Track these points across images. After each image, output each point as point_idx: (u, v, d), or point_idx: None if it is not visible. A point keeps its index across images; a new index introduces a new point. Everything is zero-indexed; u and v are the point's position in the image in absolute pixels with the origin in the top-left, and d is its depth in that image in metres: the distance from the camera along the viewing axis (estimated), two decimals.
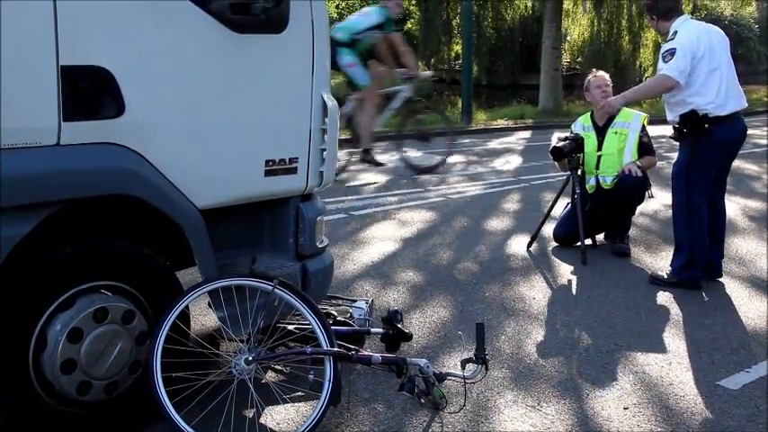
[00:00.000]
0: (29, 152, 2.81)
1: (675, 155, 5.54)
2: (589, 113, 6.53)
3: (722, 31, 5.42)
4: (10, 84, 2.73)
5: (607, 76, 6.58)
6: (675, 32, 5.28)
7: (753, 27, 33.46)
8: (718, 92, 5.18)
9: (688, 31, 5.28)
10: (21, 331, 2.92)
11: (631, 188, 6.18)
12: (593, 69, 6.87)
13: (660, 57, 5.33)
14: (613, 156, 6.26)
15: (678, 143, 5.42)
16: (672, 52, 5.18)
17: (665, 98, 5.43)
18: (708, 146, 5.21)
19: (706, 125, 5.16)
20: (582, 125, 6.52)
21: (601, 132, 6.34)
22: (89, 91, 2.94)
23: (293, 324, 3.90)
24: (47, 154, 2.85)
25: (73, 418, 3.09)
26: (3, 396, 2.92)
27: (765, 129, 15.29)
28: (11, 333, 2.90)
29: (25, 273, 2.91)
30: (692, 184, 5.29)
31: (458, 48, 24.89)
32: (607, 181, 6.30)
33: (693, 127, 5.18)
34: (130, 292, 3.20)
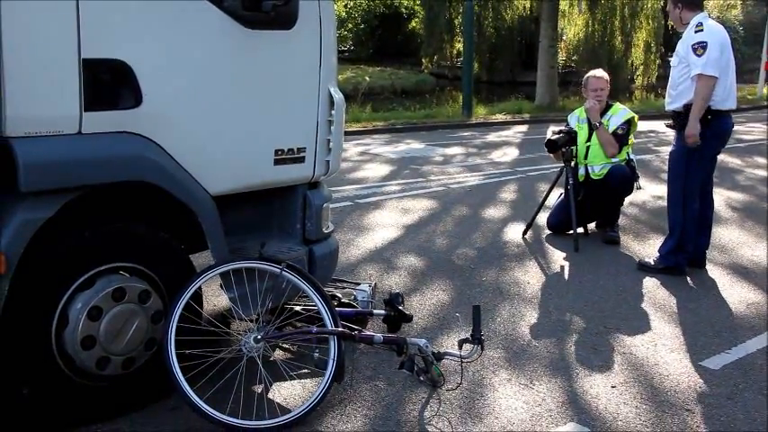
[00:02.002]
0: (51, 140, 2.81)
1: (664, 148, 5.50)
2: (584, 107, 6.50)
3: None
4: (35, 76, 2.74)
5: (606, 77, 6.47)
6: (701, 23, 5.06)
7: (737, 29, 33.36)
8: (725, 87, 5.08)
9: (713, 25, 5.14)
10: (44, 309, 2.93)
11: (619, 180, 6.18)
12: (598, 70, 6.65)
13: (689, 48, 5.04)
14: (597, 145, 6.25)
15: (675, 131, 5.33)
16: (703, 45, 4.96)
17: (673, 84, 5.26)
18: (709, 137, 5.13)
19: (709, 117, 5.07)
20: (577, 117, 6.51)
21: (592, 124, 6.33)
22: (109, 83, 2.95)
23: (300, 305, 3.90)
24: (68, 142, 2.85)
25: (92, 391, 3.10)
26: (29, 370, 2.93)
27: (749, 125, 15.25)
28: (35, 311, 2.90)
29: (48, 254, 2.91)
30: (691, 172, 5.25)
31: (459, 46, 24.82)
32: (595, 170, 6.28)
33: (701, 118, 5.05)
34: (147, 274, 3.20)
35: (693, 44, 5.03)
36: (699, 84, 5.00)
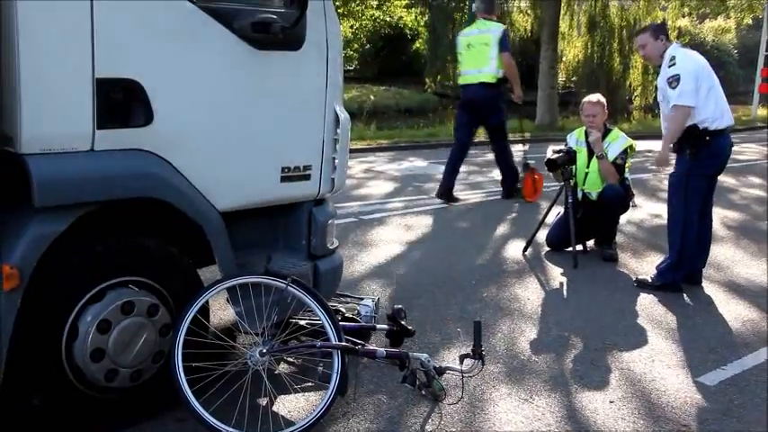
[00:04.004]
0: (65, 157, 2.82)
1: (665, 168, 5.52)
2: (584, 128, 6.48)
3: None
4: (50, 94, 2.75)
5: (602, 102, 6.37)
6: (673, 57, 5.20)
7: (732, 52, 33.45)
8: (716, 107, 5.16)
9: (685, 55, 5.25)
10: (55, 322, 2.93)
11: (613, 199, 6.18)
12: (594, 95, 6.55)
13: (665, 82, 5.21)
14: (596, 173, 6.24)
15: (676, 154, 5.37)
16: (677, 78, 5.11)
17: (664, 113, 5.34)
18: (708, 157, 5.20)
19: (707, 138, 5.14)
20: (576, 139, 6.49)
21: (591, 150, 6.31)
22: (121, 101, 2.95)
23: (305, 319, 3.89)
24: (81, 159, 2.86)
25: (100, 403, 3.10)
26: (39, 381, 2.93)
27: (744, 145, 15.26)
28: (46, 323, 2.91)
29: (60, 268, 2.91)
30: (690, 192, 5.27)
31: None
32: (592, 195, 6.28)
33: (695, 140, 5.15)
34: (155, 288, 3.20)
35: (668, 78, 5.20)
36: (674, 113, 5.17)
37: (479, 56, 8.57)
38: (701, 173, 5.25)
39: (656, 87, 5.50)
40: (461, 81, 8.93)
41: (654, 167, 6.41)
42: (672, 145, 5.34)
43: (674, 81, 5.13)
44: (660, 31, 5.46)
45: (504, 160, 9.14)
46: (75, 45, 2.79)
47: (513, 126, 10.73)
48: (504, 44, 8.52)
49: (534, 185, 8.98)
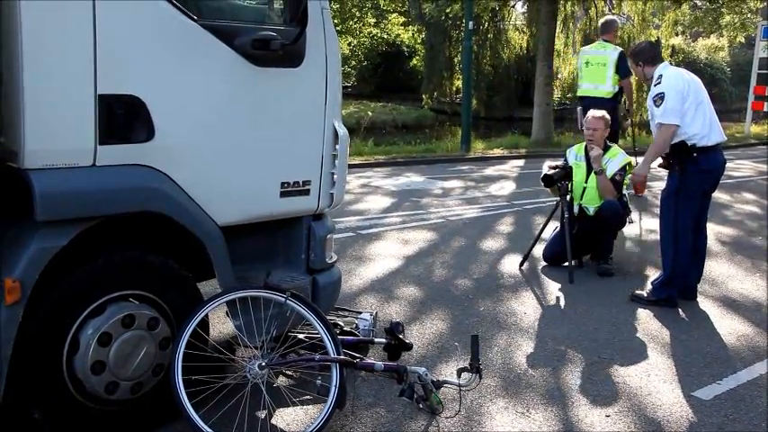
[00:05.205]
0: (67, 172, 2.83)
1: (656, 184, 5.54)
2: (584, 144, 6.50)
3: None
4: (53, 110, 2.77)
5: (606, 118, 6.39)
6: (660, 76, 5.27)
7: (725, 70, 33.60)
8: (704, 124, 5.18)
9: (671, 74, 5.29)
10: (56, 335, 2.94)
11: (611, 215, 6.18)
12: (599, 110, 6.54)
13: (651, 101, 5.27)
14: (594, 189, 6.26)
15: (666, 171, 5.41)
16: (661, 96, 5.15)
17: (654, 130, 5.37)
18: (696, 173, 5.23)
19: (694, 154, 5.17)
20: (575, 154, 6.50)
21: (590, 165, 6.33)
22: (123, 117, 2.97)
23: (303, 333, 3.90)
24: (83, 174, 2.88)
25: (101, 415, 3.09)
26: (40, 393, 2.92)
27: (737, 162, 15.30)
28: (48, 336, 2.91)
29: (61, 282, 2.92)
30: (680, 209, 5.30)
31: (458, 83, 24.94)
32: (590, 210, 6.30)
33: (683, 156, 5.18)
34: (155, 301, 3.21)
35: (654, 96, 5.24)
36: (658, 131, 5.23)
37: (597, 74, 9.47)
38: (691, 189, 5.27)
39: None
40: (579, 93, 9.90)
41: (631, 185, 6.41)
42: (663, 160, 5.36)
43: (659, 99, 5.18)
44: (638, 56, 5.54)
45: None
46: (78, 61, 2.81)
47: (509, 143, 10.76)
48: (622, 69, 9.13)
49: None
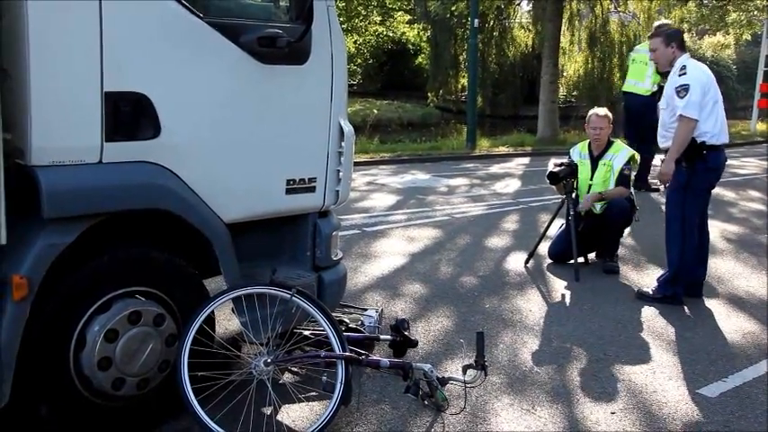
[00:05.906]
0: (74, 169, 2.83)
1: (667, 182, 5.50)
2: (587, 142, 6.49)
3: None
4: (60, 108, 2.77)
5: (608, 117, 6.40)
6: (684, 66, 5.19)
7: (731, 67, 33.47)
8: (716, 123, 5.14)
9: (696, 67, 5.24)
10: (63, 331, 2.94)
11: (619, 213, 6.17)
12: (602, 108, 6.57)
13: (674, 91, 5.16)
14: (600, 186, 6.25)
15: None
16: (686, 88, 5.07)
17: (664, 124, 5.32)
18: (705, 171, 5.20)
19: (704, 152, 5.13)
20: (579, 152, 6.49)
21: (594, 162, 6.33)
22: (129, 114, 2.97)
23: (309, 330, 3.90)
24: (90, 171, 2.88)
25: (107, 411, 3.10)
26: (47, 389, 2.93)
27: (743, 160, 15.25)
28: (54, 333, 2.91)
29: (68, 278, 2.92)
30: (688, 206, 5.27)
31: (464, 81, 24.91)
32: (596, 207, 6.29)
33: (693, 153, 5.14)
34: (162, 298, 3.21)
35: (677, 87, 5.15)
36: (679, 124, 5.11)
37: (639, 71, 10.15)
38: (698, 186, 5.25)
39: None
40: (624, 88, 10.66)
41: (656, 182, 6.39)
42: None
43: (683, 90, 5.08)
44: (672, 38, 5.41)
45: (643, 161, 9.52)
46: (85, 59, 2.81)
47: (514, 141, 10.77)
48: None
49: None
